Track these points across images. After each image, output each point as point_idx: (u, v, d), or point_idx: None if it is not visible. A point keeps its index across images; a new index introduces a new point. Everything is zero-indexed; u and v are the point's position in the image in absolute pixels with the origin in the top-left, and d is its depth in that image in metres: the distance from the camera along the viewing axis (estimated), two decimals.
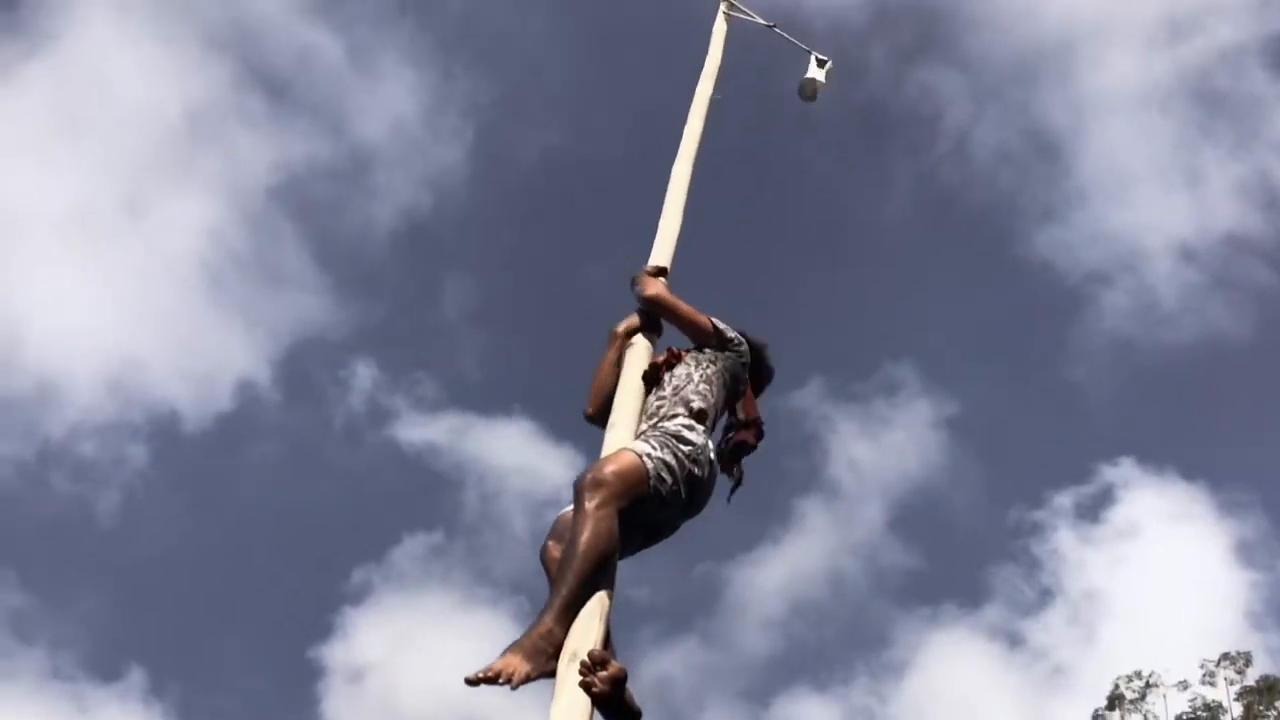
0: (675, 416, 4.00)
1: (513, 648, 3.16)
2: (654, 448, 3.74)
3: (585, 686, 3.02)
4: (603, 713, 3.13)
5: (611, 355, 4.45)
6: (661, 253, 4.95)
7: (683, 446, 3.80)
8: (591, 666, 3.10)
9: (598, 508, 3.45)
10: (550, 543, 3.76)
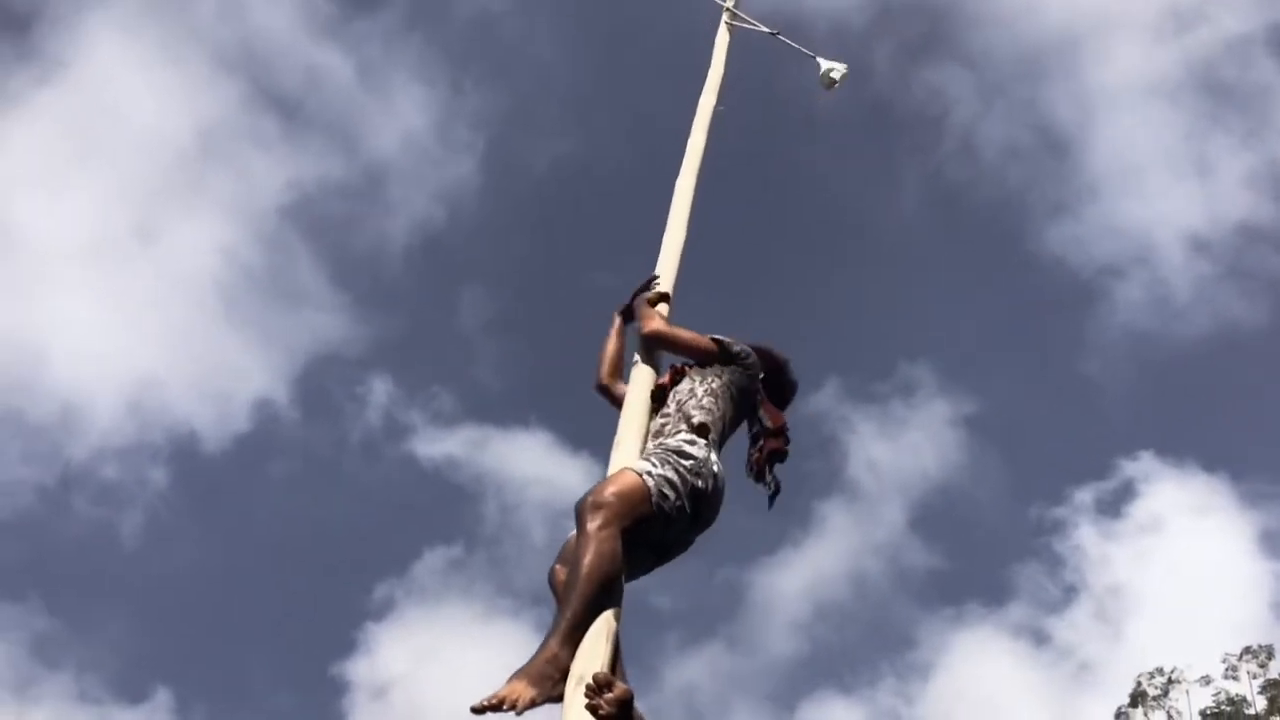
0: (677, 433, 3.99)
1: (518, 673, 3.16)
2: (655, 465, 3.74)
3: (592, 710, 3.02)
4: None
5: (614, 331, 4.74)
6: (666, 266, 4.94)
7: (684, 461, 3.80)
8: (598, 689, 3.10)
9: (600, 529, 3.45)
10: (557, 566, 3.76)
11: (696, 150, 5.64)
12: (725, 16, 6.82)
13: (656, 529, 3.70)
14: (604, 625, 3.36)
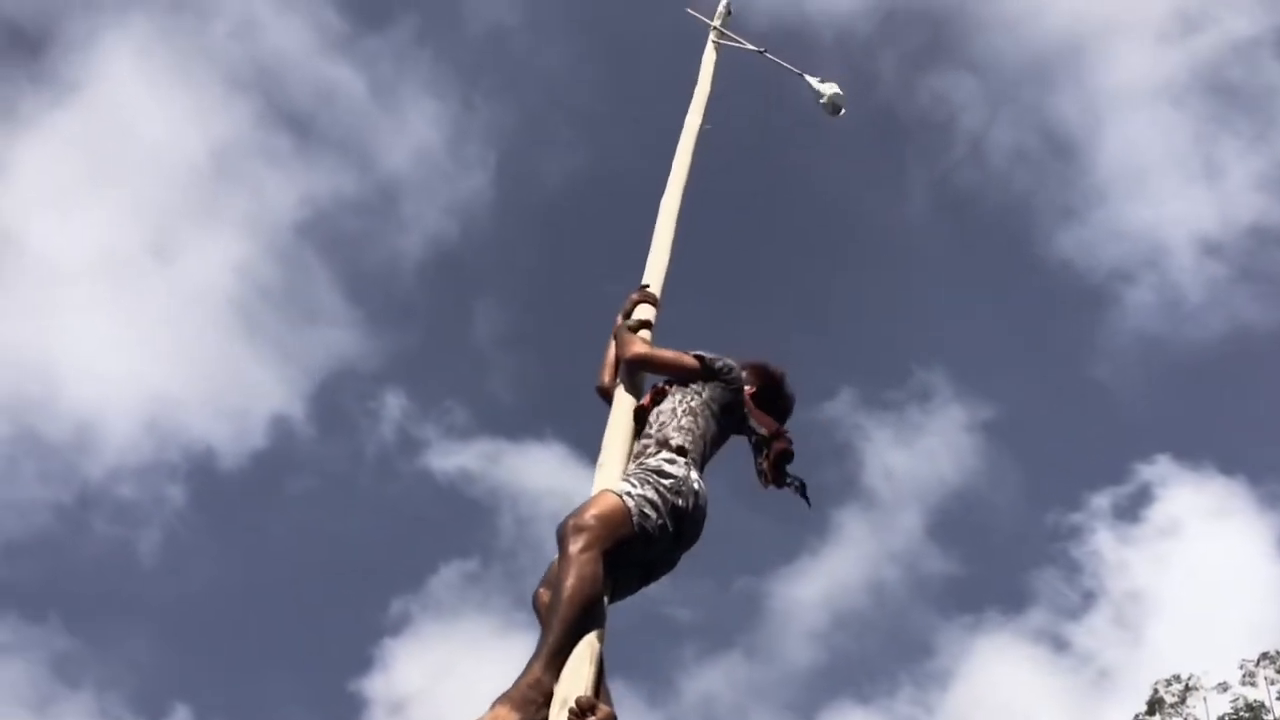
0: (657, 454, 4.00)
1: (502, 699, 3.16)
2: (635, 485, 3.76)
3: None
4: None
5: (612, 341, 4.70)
6: (652, 282, 4.94)
7: (664, 480, 3.81)
8: (581, 713, 3.13)
9: (581, 552, 3.46)
10: (541, 589, 3.78)
11: (682, 169, 5.63)
12: (712, 35, 6.83)
13: (639, 549, 3.71)
14: (587, 648, 3.38)
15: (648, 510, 3.69)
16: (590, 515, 3.58)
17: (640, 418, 4.26)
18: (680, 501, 3.80)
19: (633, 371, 4.46)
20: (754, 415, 4.42)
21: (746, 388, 4.50)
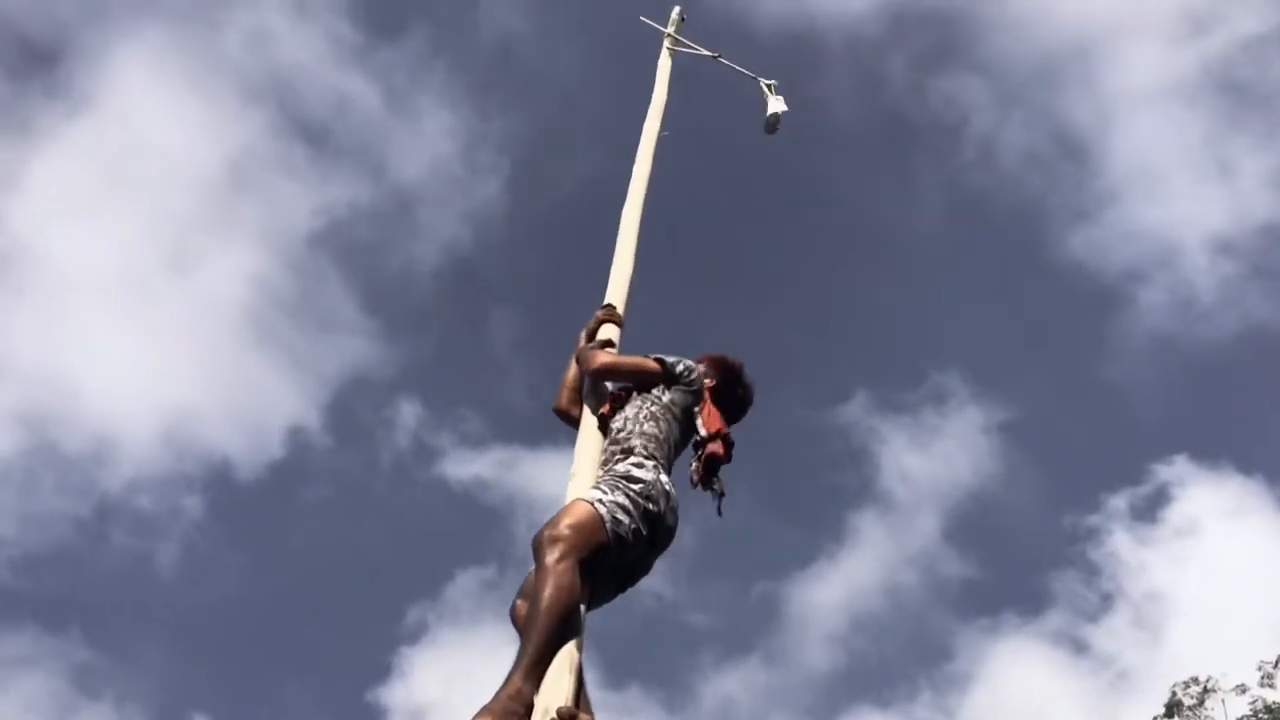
0: (624, 459, 3.97)
1: (483, 711, 3.11)
2: (605, 492, 3.74)
3: None
4: None
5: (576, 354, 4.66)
6: (615, 298, 4.90)
7: (634, 486, 3.79)
8: None
9: (557, 562, 3.43)
10: (519, 601, 3.76)
11: (642, 178, 5.60)
12: (667, 43, 6.84)
13: (614, 556, 3.67)
14: (566, 658, 3.34)
15: (620, 516, 3.67)
16: (565, 525, 3.55)
17: (603, 425, 4.23)
18: (652, 506, 3.78)
19: (598, 384, 4.44)
20: (703, 414, 4.39)
21: (707, 382, 4.49)
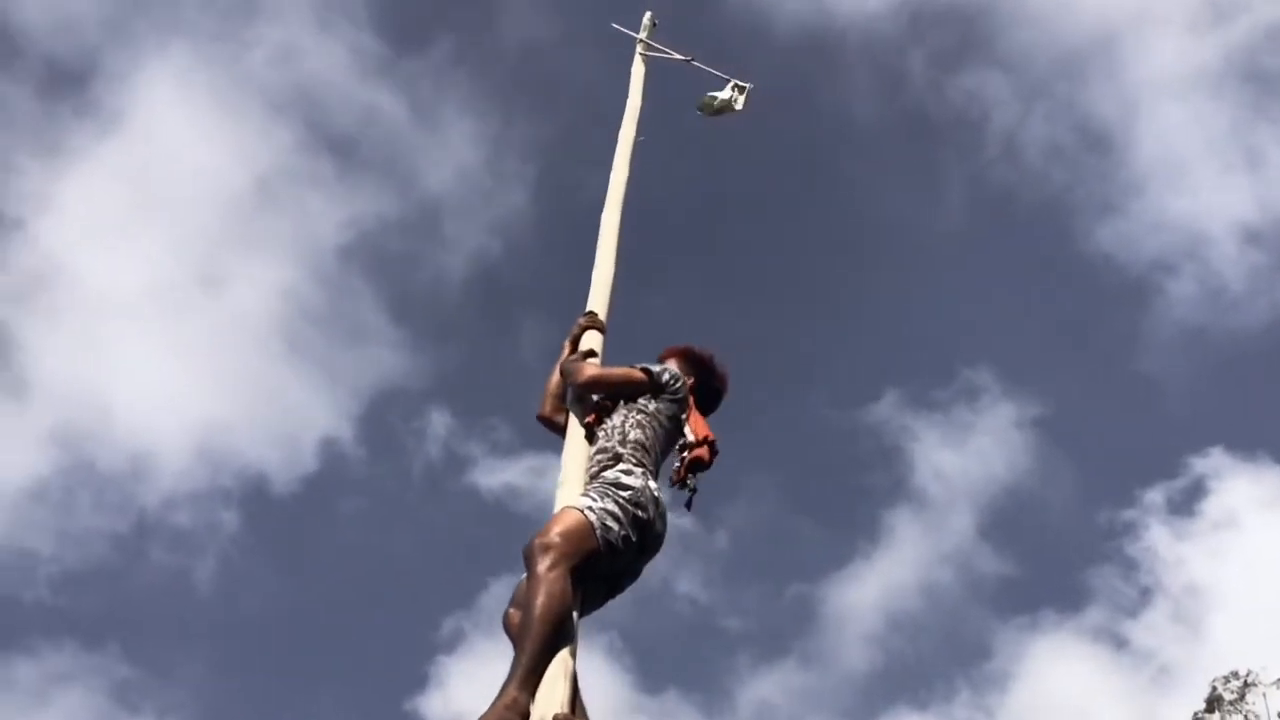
0: (612, 466, 4.02)
1: None
2: (595, 499, 3.78)
3: None
4: None
5: (560, 361, 4.69)
6: (597, 303, 4.95)
7: (622, 492, 3.83)
8: None
9: (549, 570, 3.48)
10: (511, 610, 3.80)
11: (619, 183, 5.61)
12: (639, 48, 6.87)
13: (605, 562, 3.72)
14: (561, 666, 3.39)
15: (610, 523, 3.71)
16: (555, 533, 3.59)
17: (590, 433, 4.28)
18: (641, 512, 3.82)
19: (584, 396, 4.46)
20: (691, 419, 4.45)
21: (688, 381, 4.54)
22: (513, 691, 3.23)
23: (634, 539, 3.77)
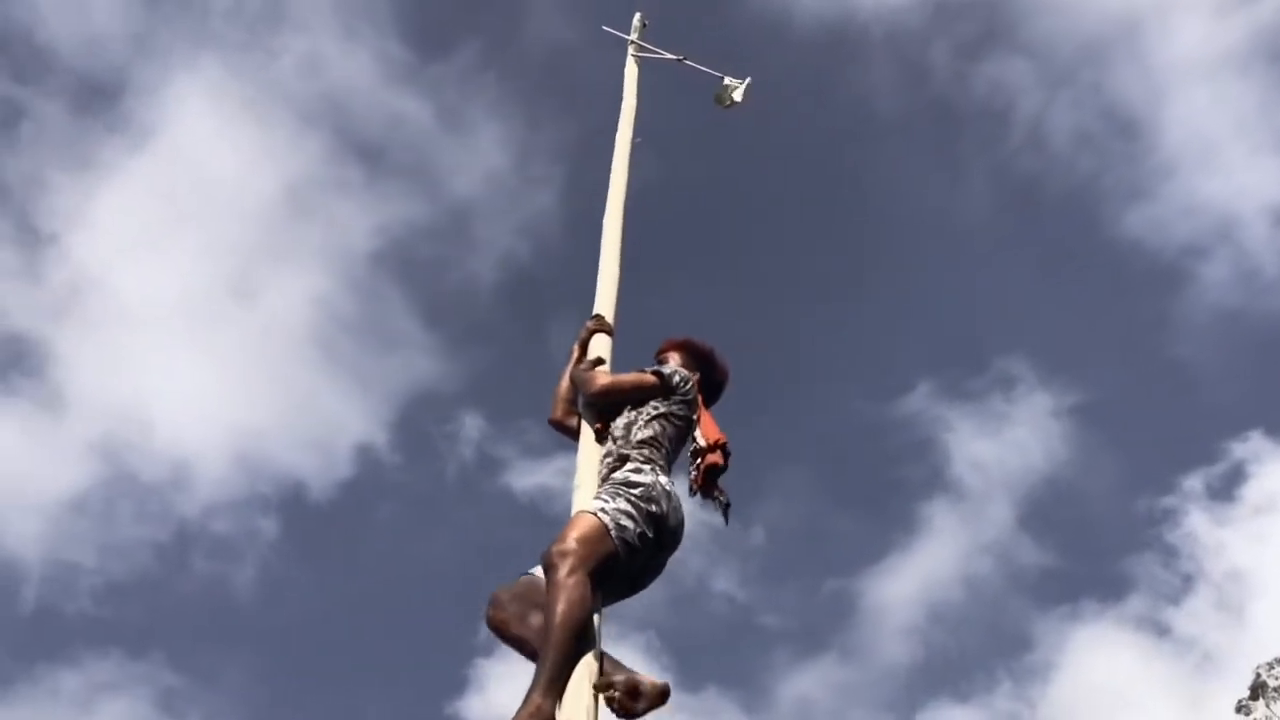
0: (620, 466, 4.03)
1: None
2: (607, 500, 3.78)
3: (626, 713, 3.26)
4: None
5: (570, 364, 4.76)
6: (603, 306, 4.96)
7: (633, 490, 3.84)
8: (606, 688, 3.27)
9: (568, 575, 3.46)
10: (492, 611, 3.76)
11: (619, 185, 5.60)
12: (631, 49, 6.88)
13: (623, 562, 3.70)
14: (585, 670, 3.37)
15: (624, 522, 3.70)
16: (572, 539, 3.58)
17: (600, 437, 4.28)
18: (654, 507, 3.82)
19: (596, 404, 4.45)
20: (701, 421, 4.45)
21: (695, 378, 4.54)
22: (537, 699, 3.21)
23: (650, 535, 3.77)
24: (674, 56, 7.14)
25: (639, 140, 5.99)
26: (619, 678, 3.30)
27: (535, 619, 3.56)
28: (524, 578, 3.83)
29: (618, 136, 6.05)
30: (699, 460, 4.35)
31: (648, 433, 4.17)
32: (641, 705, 3.27)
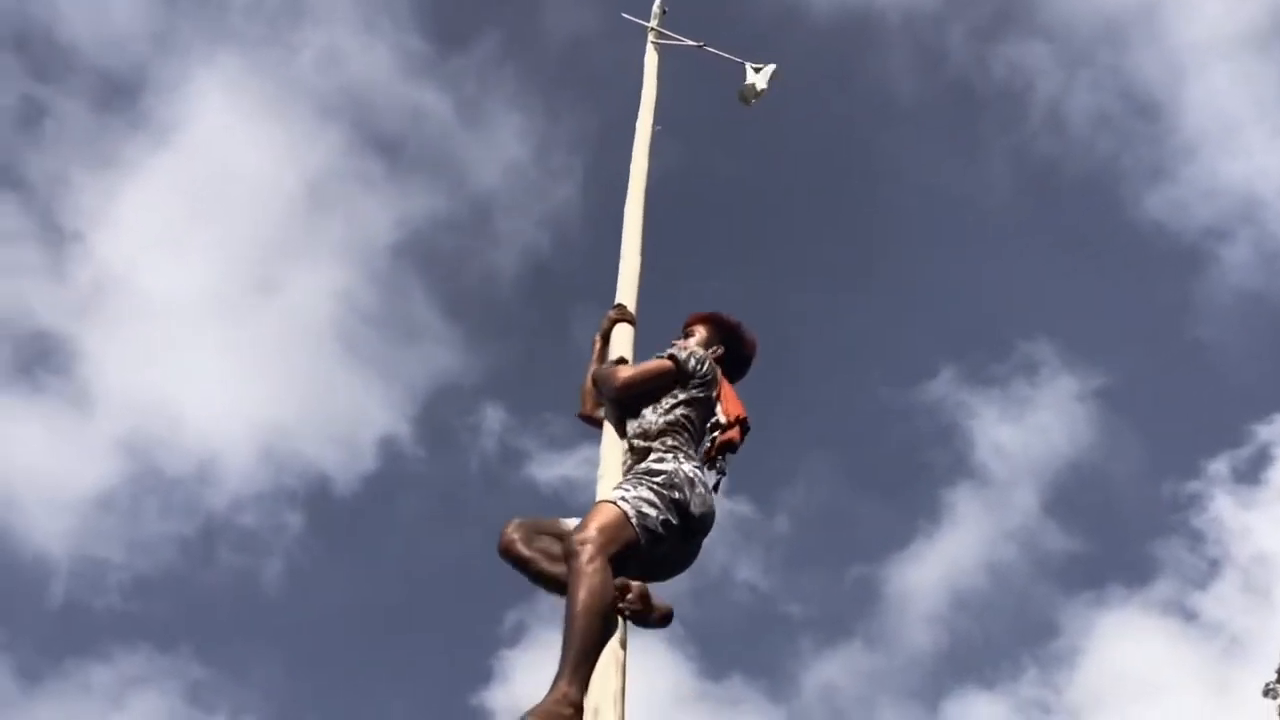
0: (643, 456, 4.04)
1: (530, 713, 3.15)
2: (628, 489, 3.79)
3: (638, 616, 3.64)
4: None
5: (594, 356, 4.83)
6: (625, 295, 4.96)
7: (655, 478, 3.84)
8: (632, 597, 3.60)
9: (589, 562, 3.48)
10: (508, 532, 3.97)
11: (640, 174, 5.59)
12: (651, 36, 6.86)
13: (647, 549, 3.71)
14: (611, 655, 3.42)
15: (646, 509, 3.71)
16: (592, 528, 3.60)
17: (621, 428, 4.30)
18: (677, 494, 3.82)
19: (625, 399, 4.43)
20: (722, 398, 4.43)
21: (717, 349, 4.59)
22: (563, 686, 3.23)
23: (675, 522, 3.78)
24: (694, 43, 7.12)
25: (659, 128, 5.98)
26: (635, 584, 3.57)
27: (541, 543, 3.87)
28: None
29: (638, 125, 6.04)
30: (715, 433, 4.34)
31: (666, 419, 4.17)
32: (655, 616, 3.66)
